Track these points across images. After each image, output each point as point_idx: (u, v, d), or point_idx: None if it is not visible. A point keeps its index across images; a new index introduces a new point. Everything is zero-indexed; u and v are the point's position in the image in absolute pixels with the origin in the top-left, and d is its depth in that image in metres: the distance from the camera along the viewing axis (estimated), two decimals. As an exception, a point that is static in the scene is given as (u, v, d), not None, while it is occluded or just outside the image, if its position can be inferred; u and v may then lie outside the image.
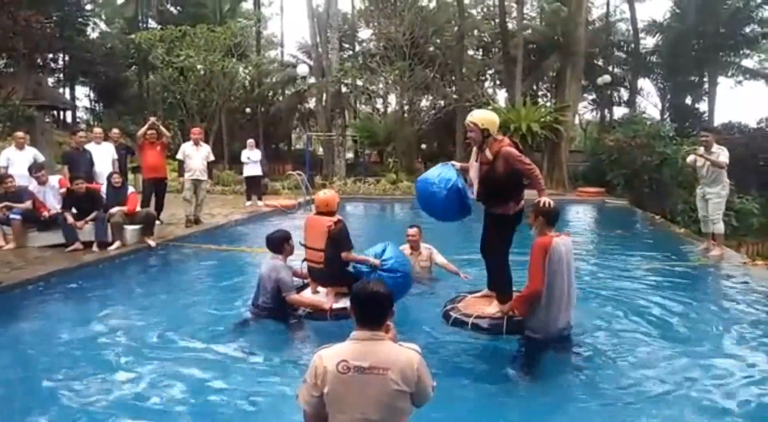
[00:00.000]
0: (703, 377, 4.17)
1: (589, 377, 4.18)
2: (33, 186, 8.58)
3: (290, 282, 5.09)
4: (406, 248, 6.38)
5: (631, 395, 3.91)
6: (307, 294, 5.37)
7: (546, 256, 4.06)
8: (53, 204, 8.51)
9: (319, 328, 5.00)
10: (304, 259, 5.31)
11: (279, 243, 5.22)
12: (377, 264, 5.15)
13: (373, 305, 2.39)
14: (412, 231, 6.47)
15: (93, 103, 39.87)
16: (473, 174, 4.78)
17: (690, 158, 9.03)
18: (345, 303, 5.08)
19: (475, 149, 4.76)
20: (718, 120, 25.96)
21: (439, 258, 6.49)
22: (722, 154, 8.29)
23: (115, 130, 11.03)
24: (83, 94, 39.62)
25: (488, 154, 4.56)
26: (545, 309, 4.15)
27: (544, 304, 4.14)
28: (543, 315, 4.17)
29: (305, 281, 5.57)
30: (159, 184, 10.42)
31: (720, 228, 8.69)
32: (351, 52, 29.41)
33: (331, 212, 5.17)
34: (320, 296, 5.30)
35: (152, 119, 10.64)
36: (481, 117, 4.68)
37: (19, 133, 9.52)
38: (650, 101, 30.18)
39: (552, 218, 4.24)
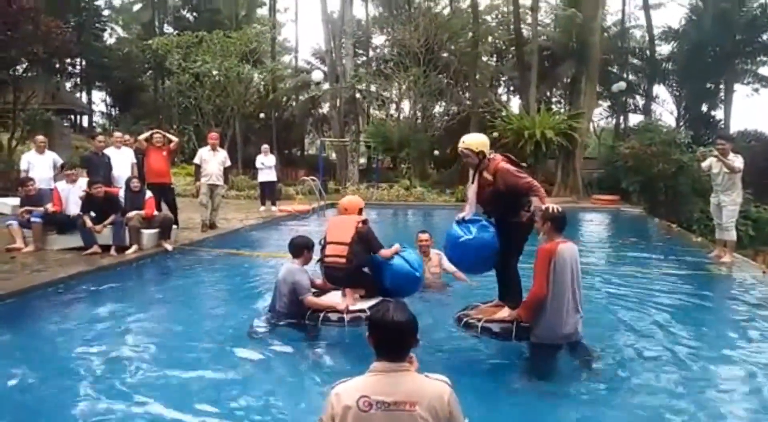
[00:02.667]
0: (712, 385, 4.15)
1: (597, 382, 4.15)
2: (61, 184, 8.70)
3: (306, 284, 5.10)
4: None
5: (640, 401, 3.88)
6: (327, 298, 5.38)
7: (550, 262, 4.04)
8: (75, 204, 8.58)
9: (336, 334, 5.01)
10: (320, 259, 5.29)
11: (300, 248, 5.25)
12: (397, 250, 5.30)
13: (395, 335, 2.12)
14: (424, 236, 6.47)
15: (109, 107, 40.42)
16: (470, 195, 4.88)
17: (705, 164, 9.03)
18: (362, 305, 5.11)
19: (471, 172, 4.85)
20: (734, 128, 25.76)
21: (449, 265, 6.47)
22: (737, 161, 8.32)
23: (127, 136, 11.07)
24: (99, 99, 40.18)
25: (487, 175, 4.65)
26: (550, 315, 4.12)
27: (549, 310, 4.11)
28: (548, 321, 4.14)
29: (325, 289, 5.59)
30: (162, 189, 10.15)
31: (732, 235, 8.70)
32: (365, 58, 29.55)
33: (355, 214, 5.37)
34: (336, 298, 5.32)
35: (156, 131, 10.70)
36: (474, 141, 4.75)
37: (40, 137, 9.66)
38: (666, 108, 30.00)
39: (560, 224, 4.21)
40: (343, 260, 5.04)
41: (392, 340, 2.12)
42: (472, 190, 4.82)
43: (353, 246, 5.05)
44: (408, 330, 2.14)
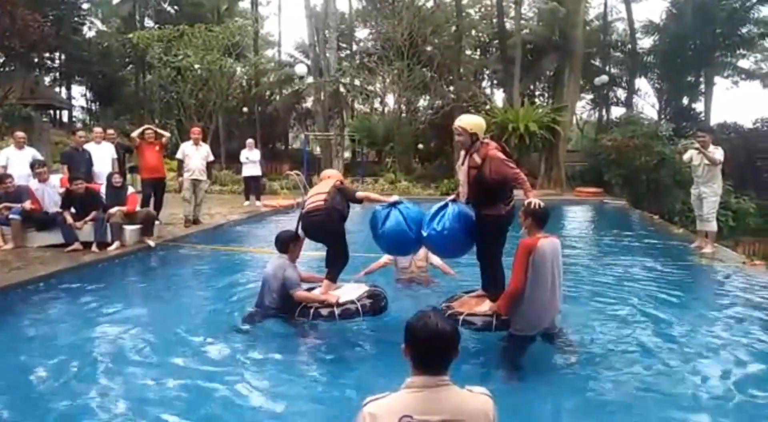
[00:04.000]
0: (694, 377, 4.18)
1: (574, 372, 4.20)
2: (33, 183, 8.55)
3: (296, 279, 5.09)
4: None
5: (616, 393, 3.93)
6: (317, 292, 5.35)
7: (529, 257, 4.06)
8: (52, 203, 8.48)
9: (327, 328, 5.00)
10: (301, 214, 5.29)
11: (287, 243, 5.23)
12: (394, 202, 5.14)
13: (439, 346, 1.93)
14: None
15: (89, 102, 39.83)
16: (462, 177, 4.81)
17: (686, 156, 9.15)
18: (351, 295, 5.13)
19: (462, 152, 4.80)
20: (714, 120, 26.12)
21: (435, 259, 6.47)
22: (717, 153, 8.44)
23: (110, 131, 10.98)
24: (79, 94, 39.56)
25: (477, 158, 4.59)
26: (528, 309, 4.15)
27: (527, 304, 4.14)
28: (526, 314, 4.18)
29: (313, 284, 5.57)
30: (158, 184, 10.42)
31: (713, 226, 8.83)
32: (349, 52, 29.42)
33: None
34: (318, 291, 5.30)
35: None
36: (469, 121, 4.72)
37: (19, 133, 9.49)
38: (647, 101, 30.34)
39: (541, 219, 4.23)
40: (321, 202, 5.04)
41: (435, 352, 1.93)
42: (462, 171, 4.76)
43: (332, 194, 5.10)
44: (452, 340, 1.94)
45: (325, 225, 5.08)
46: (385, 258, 6.46)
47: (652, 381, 4.05)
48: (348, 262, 5.34)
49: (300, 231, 5.32)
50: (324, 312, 4.99)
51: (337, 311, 4.96)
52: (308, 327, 5.01)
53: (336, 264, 5.25)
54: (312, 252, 7.12)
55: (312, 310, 5.00)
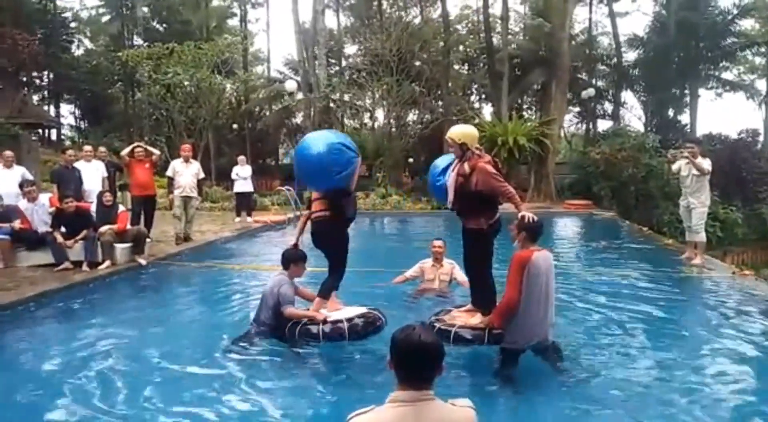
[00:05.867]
0: (686, 388, 4.19)
1: (567, 386, 4.20)
2: (22, 202, 8.50)
3: (290, 296, 5.06)
4: (428, 261, 6.60)
5: (609, 404, 3.94)
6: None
7: (523, 271, 4.08)
8: (42, 222, 8.42)
9: (318, 346, 4.95)
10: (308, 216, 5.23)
11: (289, 260, 5.18)
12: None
13: (421, 359, 1.93)
14: (438, 243, 6.54)
15: (78, 120, 39.66)
16: (449, 182, 4.81)
17: (675, 166, 9.25)
18: (341, 315, 5.09)
19: (456, 160, 4.84)
20: (700, 131, 26.41)
21: (460, 276, 6.48)
22: (705, 163, 8.53)
23: (102, 149, 10.97)
24: (68, 112, 39.40)
25: (466, 167, 4.62)
26: (521, 322, 4.17)
27: (521, 317, 4.16)
28: (519, 327, 4.19)
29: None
30: (148, 201, 10.35)
31: (702, 237, 8.90)
32: (338, 68, 29.61)
33: None
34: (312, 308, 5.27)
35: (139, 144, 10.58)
36: (458, 132, 4.76)
37: (7, 152, 9.41)
38: (634, 114, 30.70)
39: (534, 233, 4.25)
40: (324, 209, 4.99)
41: (417, 365, 1.93)
42: (451, 177, 4.77)
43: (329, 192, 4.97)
44: (435, 354, 1.94)
45: (328, 232, 5.06)
46: (411, 271, 6.67)
47: (646, 392, 4.07)
48: (342, 278, 5.26)
49: (301, 243, 5.28)
50: (313, 329, 4.93)
51: (325, 329, 4.91)
52: (300, 345, 4.96)
53: (331, 278, 5.20)
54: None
55: (299, 327, 4.96)
